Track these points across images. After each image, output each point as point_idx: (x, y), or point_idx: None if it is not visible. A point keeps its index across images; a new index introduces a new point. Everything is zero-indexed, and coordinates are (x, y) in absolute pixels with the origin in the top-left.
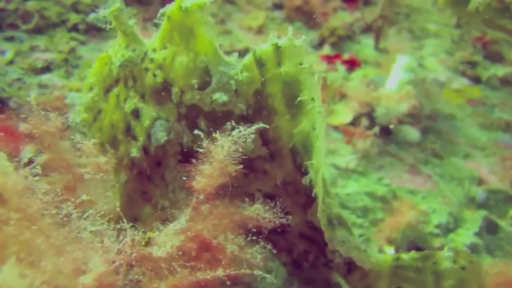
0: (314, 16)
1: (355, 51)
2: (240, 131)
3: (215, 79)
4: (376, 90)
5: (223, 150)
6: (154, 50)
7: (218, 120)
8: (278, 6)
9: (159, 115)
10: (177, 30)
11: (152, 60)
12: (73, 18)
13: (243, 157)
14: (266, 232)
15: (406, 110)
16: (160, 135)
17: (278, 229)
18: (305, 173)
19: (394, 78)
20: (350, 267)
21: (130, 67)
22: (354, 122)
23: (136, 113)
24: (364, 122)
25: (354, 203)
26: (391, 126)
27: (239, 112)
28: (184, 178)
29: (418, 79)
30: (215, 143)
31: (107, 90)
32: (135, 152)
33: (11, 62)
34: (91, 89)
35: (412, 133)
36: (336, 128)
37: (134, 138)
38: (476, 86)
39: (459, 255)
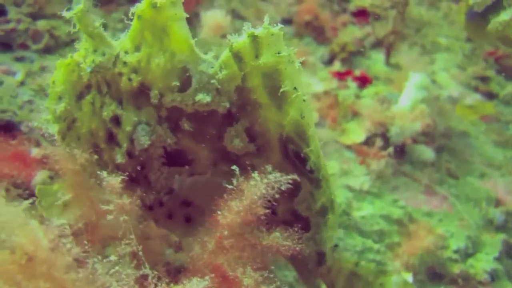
0: (324, 31)
1: (365, 67)
2: (276, 177)
3: (195, 80)
4: (389, 107)
5: (257, 191)
6: (126, 52)
7: (202, 120)
8: (287, 21)
9: (139, 120)
10: (149, 29)
11: (125, 63)
12: None
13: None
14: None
15: (420, 129)
16: (143, 140)
17: (265, 219)
18: (301, 161)
19: (407, 96)
20: (320, 257)
21: (102, 72)
22: (367, 141)
23: (116, 120)
24: (379, 142)
25: (369, 227)
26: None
27: (223, 110)
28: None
29: (431, 97)
30: (249, 182)
31: (78, 97)
32: (120, 158)
33: (21, 83)
34: (59, 98)
35: (427, 152)
36: (349, 147)
37: (118, 144)
38: (489, 102)
39: (405, 287)
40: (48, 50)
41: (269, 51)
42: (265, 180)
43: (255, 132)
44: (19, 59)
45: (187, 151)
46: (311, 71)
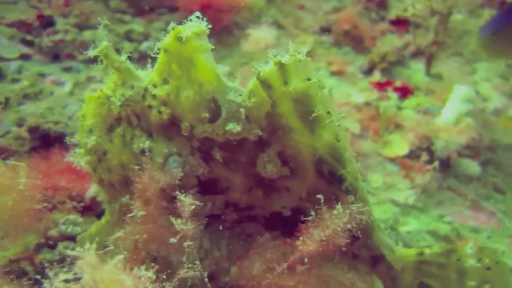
0: (363, 40)
1: (405, 77)
2: (359, 207)
3: (224, 109)
4: (432, 120)
5: (339, 222)
6: (154, 85)
7: (233, 148)
8: (326, 30)
9: (170, 151)
10: (176, 61)
11: (154, 96)
12: (126, 47)
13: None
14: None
15: (465, 142)
16: (176, 172)
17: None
18: (335, 180)
19: (452, 109)
20: (375, 260)
21: (131, 105)
22: (410, 154)
23: (146, 153)
24: (424, 156)
25: (416, 243)
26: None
27: (254, 137)
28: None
29: (477, 110)
30: (332, 211)
31: (109, 130)
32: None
33: (70, 94)
34: (90, 131)
35: (472, 166)
36: (392, 160)
37: None
38: None
39: (484, 253)
40: (94, 60)
41: (298, 77)
42: (348, 211)
43: (287, 156)
44: (67, 70)
45: (220, 179)
46: (350, 81)
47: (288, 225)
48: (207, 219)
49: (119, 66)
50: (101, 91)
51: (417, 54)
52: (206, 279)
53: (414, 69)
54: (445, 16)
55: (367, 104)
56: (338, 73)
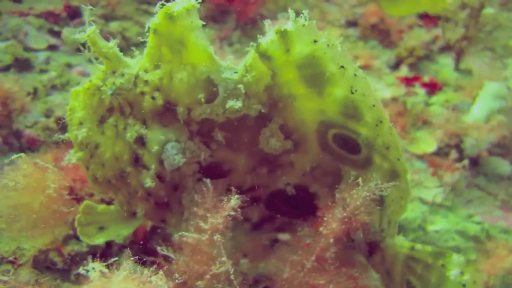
0: (389, 34)
1: (433, 72)
2: (377, 184)
3: (221, 88)
4: (461, 117)
5: (359, 197)
6: (145, 71)
7: (234, 127)
8: (352, 24)
9: (167, 138)
10: (166, 44)
11: (146, 82)
12: None
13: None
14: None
15: (496, 140)
16: (177, 158)
17: (309, 215)
18: (345, 144)
19: (482, 105)
20: (371, 248)
21: (123, 94)
22: (439, 152)
23: (141, 141)
24: (454, 154)
25: (444, 243)
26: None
27: (255, 113)
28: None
29: (508, 107)
30: (350, 192)
31: (100, 121)
32: (149, 182)
33: None
34: (80, 123)
35: (503, 165)
36: (419, 157)
37: (145, 167)
38: None
39: (468, 268)
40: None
41: (302, 42)
42: (366, 188)
43: (289, 128)
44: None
45: (223, 162)
46: (377, 75)
47: (292, 205)
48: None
49: (107, 52)
50: (90, 82)
51: (445, 48)
52: (232, 276)
53: (442, 64)
54: (476, 9)
55: (394, 99)
56: (364, 68)
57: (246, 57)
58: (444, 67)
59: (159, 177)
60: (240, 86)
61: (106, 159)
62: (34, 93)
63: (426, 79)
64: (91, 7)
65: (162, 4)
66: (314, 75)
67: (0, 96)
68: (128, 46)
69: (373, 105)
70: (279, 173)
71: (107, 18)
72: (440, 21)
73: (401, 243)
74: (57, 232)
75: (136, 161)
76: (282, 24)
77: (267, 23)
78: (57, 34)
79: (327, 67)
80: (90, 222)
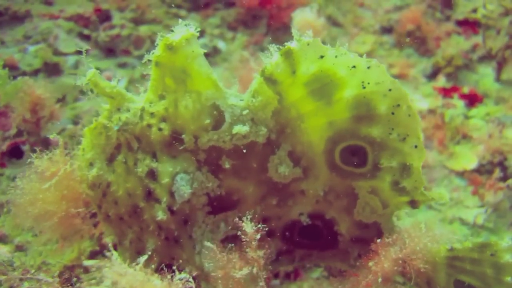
0: (426, 41)
1: (472, 82)
2: (442, 232)
3: (227, 114)
4: (505, 132)
5: (420, 242)
6: (151, 103)
7: (242, 154)
8: (387, 30)
9: (177, 169)
10: (169, 75)
11: (152, 114)
12: None
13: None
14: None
15: None
16: (183, 190)
17: (330, 244)
18: (355, 156)
19: None
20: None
21: (130, 129)
22: (479, 169)
23: (152, 174)
24: (498, 173)
25: None
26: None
27: (263, 140)
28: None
29: None
30: (411, 234)
31: (110, 160)
32: (161, 215)
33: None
34: (91, 164)
35: None
36: (458, 174)
37: (157, 200)
38: None
39: None
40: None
41: (308, 60)
42: (430, 233)
43: (298, 154)
44: (122, 65)
45: (232, 192)
46: (412, 85)
47: (309, 236)
48: (223, 243)
49: (111, 92)
50: (96, 121)
51: (486, 57)
52: None
53: (482, 74)
54: None
55: (431, 111)
56: (399, 77)
57: (252, 82)
58: (484, 77)
59: (170, 209)
60: (247, 112)
61: (119, 197)
62: (63, 99)
63: (465, 90)
64: (87, 47)
65: (162, 36)
66: (323, 86)
67: (30, 102)
68: None
69: (389, 90)
70: (290, 203)
71: (137, 21)
72: (480, 29)
73: (437, 247)
74: (83, 247)
75: (149, 195)
76: (287, 44)
77: (271, 47)
78: (86, 38)
79: (336, 74)
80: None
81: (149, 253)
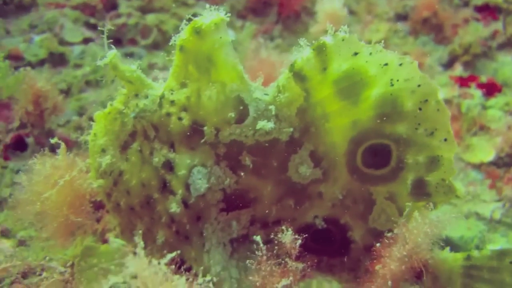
0: (443, 29)
1: (491, 71)
2: (438, 216)
3: (252, 108)
4: None
5: (419, 233)
6: (171, 91)
7: (264, 151)
8: (402, 17)
9: (194, 162)
10: (193, 62)
11: (172, 102)
12: None
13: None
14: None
15: None
16: (200, 183)
17: (342, 250)
18: (378, 157)
19: None
20: (418, 272)
21: (147, 116)
22: (497, 161)
23: (168, 165)
24: None
25: None
26: None
27: (286, 137)
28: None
29: None
30: (409, 228)
31: (123, 148)
32: (174, 207)
33: None
34: (103, 151)
35: None
36: (475, 166)
37: (172, 192)
38: None
39: None
40: (156, 46)
41: (341, 57)
42: (427, 220)
43: (319, 154)
44: (129, 55)
45: (249, 189)
46: (428, 74)
47: (321, 241)
48: (232, 243)
49: (130, 76)
50: (111, 106)
51: (506, 45)
52: None
53: (502, 62)
54: None
55: (447, 101)
56: None
57: (279, 77)
58: (504, 66)
59: (185, 203)
60: (272, 107)
61: (132, 186)
62: (68, 90)
63: (483, 79)
64: (110, 27)
65: (189, 19)
66: (351, 85)
67: (32, 95)
68: (164, 40)
69: (418, 85)
70: (307, 205)
71: (144, 10)
72: (500, 14)
73: (453, 256)
74: (86, 243)
75: (164, 186)
76: (321, 38)
77: (302, 41)
78: (93, 27)
79: (367, 72)
80: (91, 265)
81: (173, 254)
